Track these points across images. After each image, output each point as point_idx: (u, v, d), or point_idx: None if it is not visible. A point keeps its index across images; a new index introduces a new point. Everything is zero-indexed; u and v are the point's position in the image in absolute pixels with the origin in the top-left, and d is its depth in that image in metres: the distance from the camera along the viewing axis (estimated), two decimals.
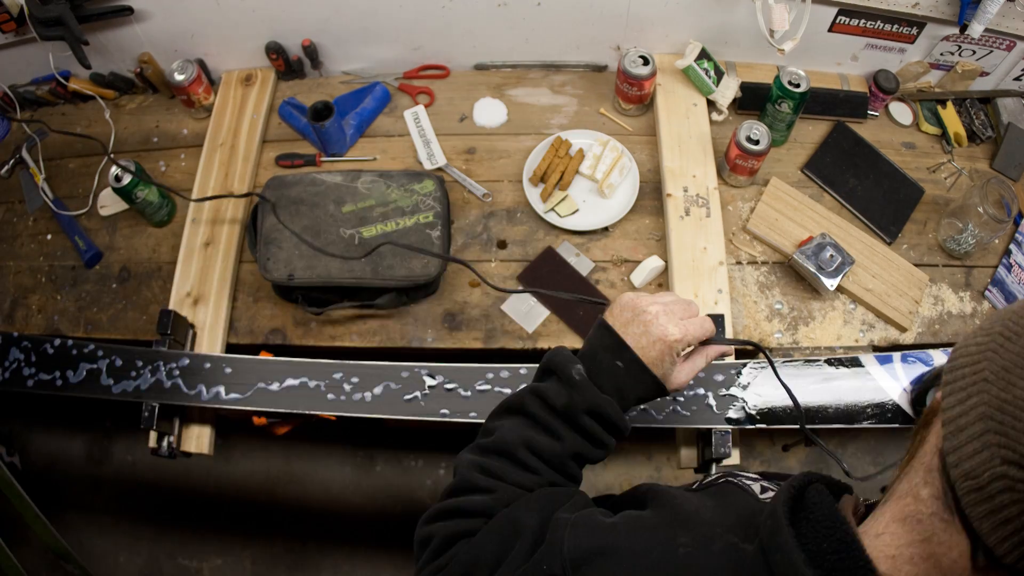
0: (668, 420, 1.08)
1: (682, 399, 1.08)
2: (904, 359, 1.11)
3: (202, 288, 1.30)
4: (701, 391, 1.09)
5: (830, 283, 1.22)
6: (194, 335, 1.26)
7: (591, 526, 0.58)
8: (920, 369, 1.10)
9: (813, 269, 1.22)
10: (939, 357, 1.11)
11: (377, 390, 1.12)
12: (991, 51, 1.39)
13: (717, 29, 1.42)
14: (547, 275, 1.30)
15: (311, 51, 1.48)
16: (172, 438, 1.19)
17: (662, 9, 1.38)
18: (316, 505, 2.14)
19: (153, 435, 1.18)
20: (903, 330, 1.26)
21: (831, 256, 1.23)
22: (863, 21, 1.37)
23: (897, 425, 1.07)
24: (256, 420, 1.22)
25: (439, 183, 1.29)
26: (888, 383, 1.09)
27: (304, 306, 1.24)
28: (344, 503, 2.15)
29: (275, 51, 1.48)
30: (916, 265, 1.31)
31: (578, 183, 1.38)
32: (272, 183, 1.29)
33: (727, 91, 1.43)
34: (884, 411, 1.07)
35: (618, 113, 1.48)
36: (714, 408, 1.08)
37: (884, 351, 1.16)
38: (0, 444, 2.07)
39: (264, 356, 1.18)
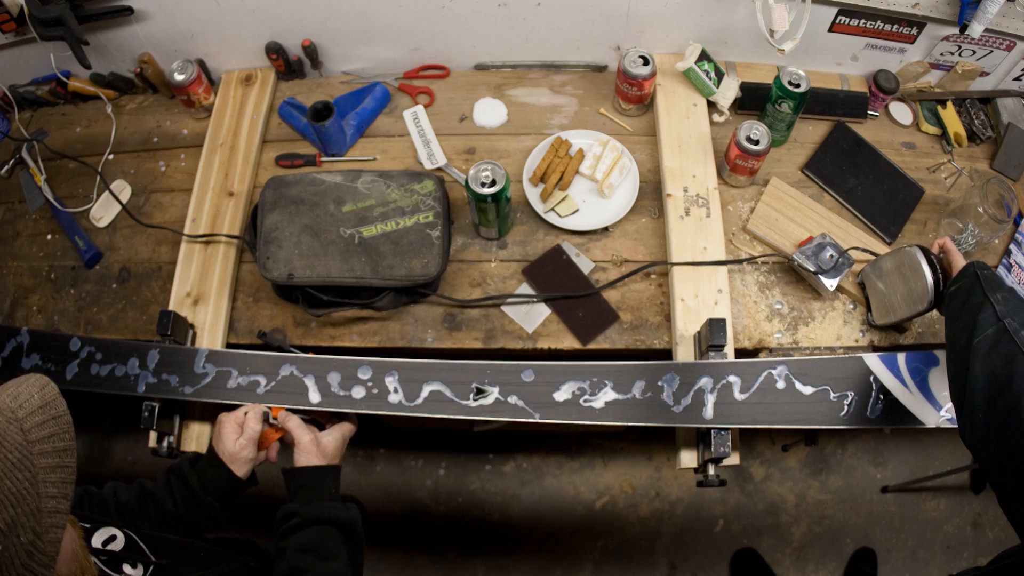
0: (668, 420, 1.08)
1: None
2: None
3: (202, 288, 1.30)
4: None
5: (830, 283, 1.22)
6: (194, 335, 1.26)
7: None
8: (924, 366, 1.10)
9: (813, 269, 1.22)
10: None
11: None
12: (991, 51, 1.39)
13: (717, 29, 1.42)
14: (551, 272, 1.30)
15: (311, 51, 1.48)
16: (172, 438, 1.19)
17: (662, 9, 1.38)
18: None
19: (153, 435, 1.18)
20: (903, 330, 1.26)
21: (831, 256, 1.23)
22: (863, 21, 1.37)
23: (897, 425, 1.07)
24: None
25: (439, 183, 1.29)
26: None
27: (304, 307, 1.24)
28: None
29: (275, 51, 1.48)
30: None
31: (578, 183, 1.38)
32: (272, 183, 1.29)
33: (728, 92, 1.43)
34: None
35: (618, 113, 1.49)
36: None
37: (884, 351, 1.16)
38: None
39: None
